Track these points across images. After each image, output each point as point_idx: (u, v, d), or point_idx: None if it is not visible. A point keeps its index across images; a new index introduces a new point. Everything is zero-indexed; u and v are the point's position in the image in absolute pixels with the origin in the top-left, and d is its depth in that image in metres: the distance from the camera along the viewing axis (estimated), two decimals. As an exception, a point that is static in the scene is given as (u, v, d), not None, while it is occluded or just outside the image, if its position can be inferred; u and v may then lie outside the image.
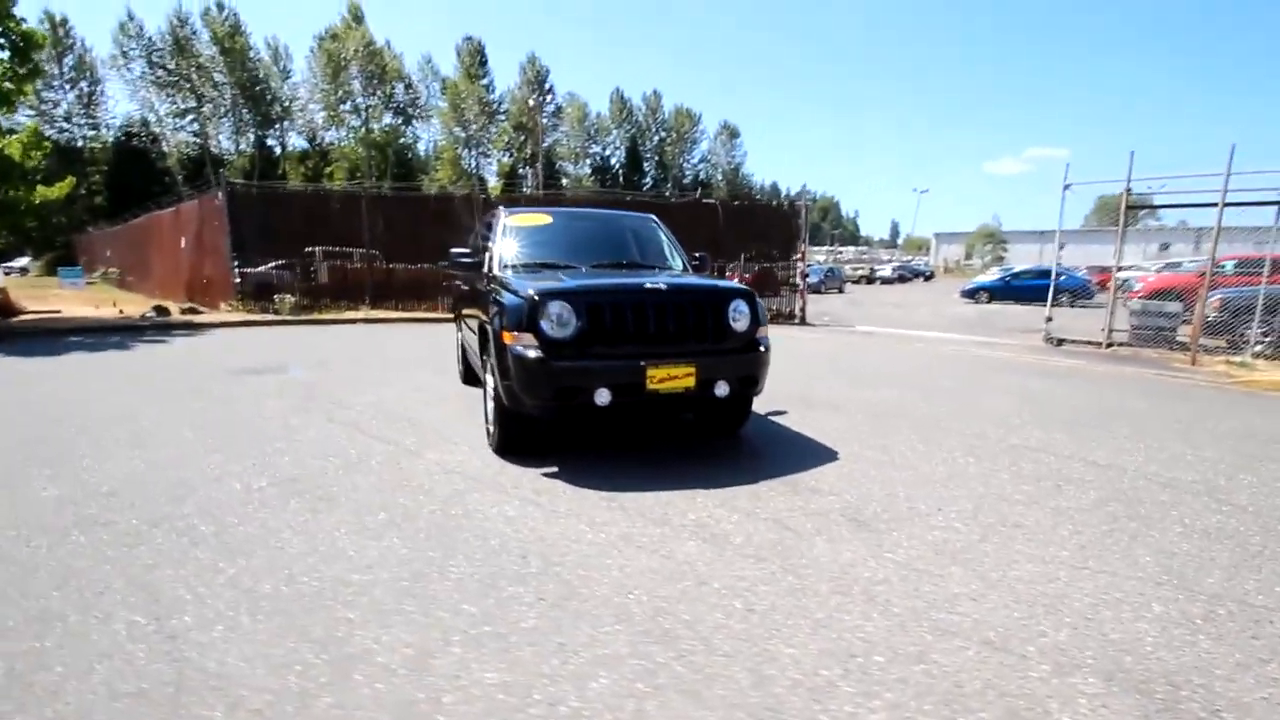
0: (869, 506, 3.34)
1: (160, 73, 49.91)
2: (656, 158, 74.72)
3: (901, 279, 45.42)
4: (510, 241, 4.80)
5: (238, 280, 14.43)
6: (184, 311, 14.20)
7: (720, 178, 77.13)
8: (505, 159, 64.89)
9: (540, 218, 5.17)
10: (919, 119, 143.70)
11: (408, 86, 56.96)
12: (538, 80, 64.94)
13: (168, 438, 4.53)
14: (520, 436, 4.02)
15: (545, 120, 66.15)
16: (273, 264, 15.03)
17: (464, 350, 6.37)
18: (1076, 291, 23.02)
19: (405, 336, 11.31)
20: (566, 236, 5.08)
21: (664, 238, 5.32)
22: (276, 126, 55.78)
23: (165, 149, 51.72)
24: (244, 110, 52.77)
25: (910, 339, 12.47)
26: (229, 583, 2.50)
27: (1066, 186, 11.95)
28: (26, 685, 1.87)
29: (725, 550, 2.82)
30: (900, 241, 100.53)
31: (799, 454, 4.28)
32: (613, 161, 70.98)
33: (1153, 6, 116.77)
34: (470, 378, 6.51)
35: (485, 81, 62.26)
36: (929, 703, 1.84)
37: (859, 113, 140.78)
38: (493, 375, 3.98)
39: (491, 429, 4.26)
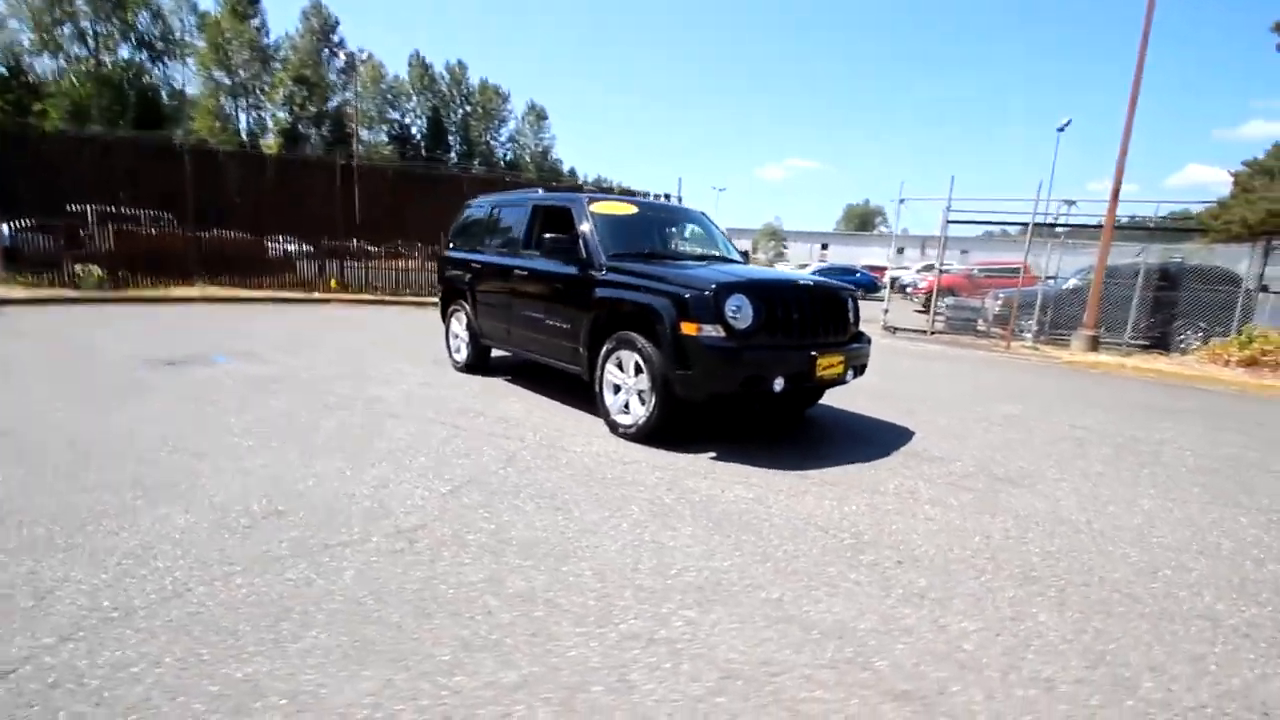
0: (993, 466, 4.10)
1: None
2: (461, 133, 71.19)
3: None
4: (605, 232, 4.70)
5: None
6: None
7: (529, 160, 75.98)
8: (283, 115, 56.80)
9: (625, 207, 5.08)
10: (714, 121, 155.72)
11: (155, 15, 46.84)
12: (324, 31, 57.76)
13: (257, 451, 3.71)
14: (668, 424, 4.09)
15: (334, 77, 59.27)
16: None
17: (475, 337, 5.97)
18: (868, 287, 27.54)
19: (286, 319, 9.86)
20: (650, 227, 5.10)
21: (718, 231, 5.59)
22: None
23: None
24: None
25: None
26: (600, 596, 2.37)
27: (901, 201, 14.40)
28: None
29: (921, 504, 3.33)
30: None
31: (854, 432, 4.94)
32: (414, 131, 66.03)
33: (893, 41, 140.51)
34: (478, 365, 6.13)
35: (256, 23, 53.68)
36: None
37: (662, 109, 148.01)
38: (647, 365, 3.98)
39: (619, 417, 4.25)
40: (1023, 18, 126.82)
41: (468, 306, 6.09)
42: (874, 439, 4.63)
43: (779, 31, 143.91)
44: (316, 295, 13.00)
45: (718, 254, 5.19)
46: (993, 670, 2.01)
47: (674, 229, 5.31)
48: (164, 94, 50.02)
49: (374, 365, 6.42)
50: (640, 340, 4.05)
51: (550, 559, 2.57)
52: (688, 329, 3.77)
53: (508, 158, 74.11)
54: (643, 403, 4.13)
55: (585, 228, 4.69)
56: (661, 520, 3.00)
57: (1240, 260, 11.55)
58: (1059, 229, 13.44)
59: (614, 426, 4.30)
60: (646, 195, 16.36)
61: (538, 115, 77.04)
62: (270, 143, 52.37)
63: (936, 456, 4.26)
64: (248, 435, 3.94)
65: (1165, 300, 12.51)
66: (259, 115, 56.84)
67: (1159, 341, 12.21)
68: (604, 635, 2.07)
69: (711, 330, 3.75)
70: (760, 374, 3.82)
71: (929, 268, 29.75)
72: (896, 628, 2.21)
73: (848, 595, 2.41)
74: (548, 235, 4.67)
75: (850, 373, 4.32)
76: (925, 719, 1.77)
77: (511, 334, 5.42)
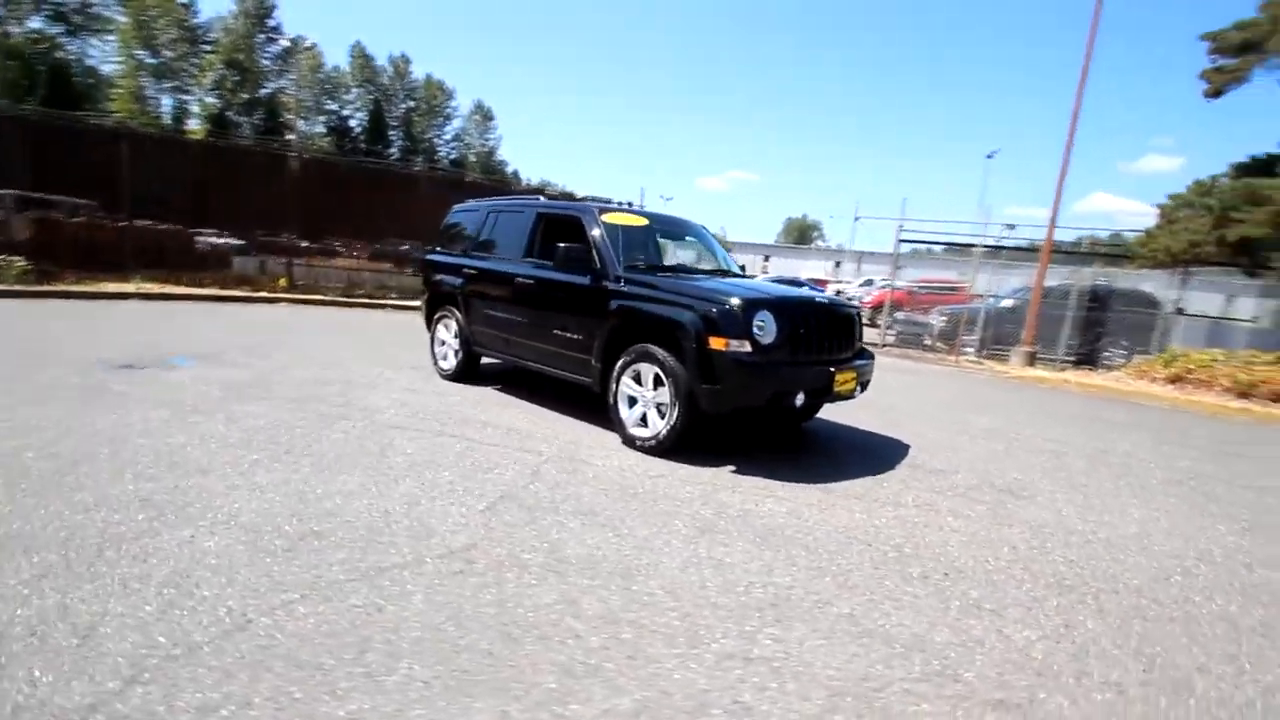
0: (992, 478, 4.32)
1: None
2: (404, 128, 69.17)
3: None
4: (618, 243, 4.67)
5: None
6: None
7: (474, 159, 74.52)
8: (212, 100, 53.64)
9: (636, 218, 5.06)
10: (655, 128, 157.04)
11: (72, -15, 43.38)
12: (259, 14, 55.01)
13: (265, 465, 3.47)
14: (687, 437, 4.10)
15: (268, 63, 56.50)
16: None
17: (467, 344, 5.82)
18: (814, 298, 28.40)
19: (238, 319, 9.33)
20: (658, 239, 5.11)
21: (718, 244, 5.66)
22: None
23: None
24: None
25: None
26: (681, 615, 2.36)
27: (857, 218, 15.38)
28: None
29: (943, 516, 3.49)
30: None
31: (854, 445, 5.11)
32: (353, 124, 63.65)
33: (827, 63, 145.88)
34: (467, 373, 5.97)
35: (185, 0, 50.58)
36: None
37: (606, 112, 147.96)
38: (670, 378, 3.99)
39: (636, 430, 4.24)
40: (954, 47, 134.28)
41: (458, 313, 5.93)
42: (874, 451, 4.79)
43: (724, 39, 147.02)
44: (265, 294, 12.33)
45: (721, 268, 5.26)
46: (1067, 677, 2.12)
47: (679, 241, 5.35)
48: (79, 71, 46.31)
49: (353, 370, 6.15)
50: (661, 353, 4.05)
51: (616, 578, 2.54)
52: (716, 344, 3.81)
53: (452, 156, 72.56)
54: (662, 416, 4.13)
55: (598, 238, 4.66)
56: (710, 536, 3.01)
57: (1165, 285, 12.64)
58: (1003, 250, 14.27)
59: (630, 440, 4.28)
60: (610, 202, 16.35)
61: (484, 115, 75.85)
62: (195, 129, 49.28)
63: (939, 469, 4.45)
64: (248, 448, 3.70)
65: (1093, 320, 13.49)
66: (184, 99, 53.45)
67: (1087, 358, 13.16)
68: (700, 656, 2.07)
69: (739, 346, 3.79)
70: (786, 389, 3.89)
71: (869, 282, 31.04)
72: (968, 639, 2.30)
73: (912, 608, 2.49)
74: (562, 245, 4.60)
75: (859, 388, 4.46)
76: (1028, 729, 1.86)
77: (511, 343, 5.31)
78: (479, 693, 1.81)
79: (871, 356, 4.74)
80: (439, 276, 6.21)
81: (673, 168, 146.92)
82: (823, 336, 4.17)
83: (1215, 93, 10.43)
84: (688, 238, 5.46)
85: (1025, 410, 7.35)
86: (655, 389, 4.16)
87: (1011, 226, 14.54)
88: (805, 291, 4.63)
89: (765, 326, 3.87)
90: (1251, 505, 4.28)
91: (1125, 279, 13.99)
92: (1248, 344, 11.56)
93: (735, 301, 3.87)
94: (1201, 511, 4.06)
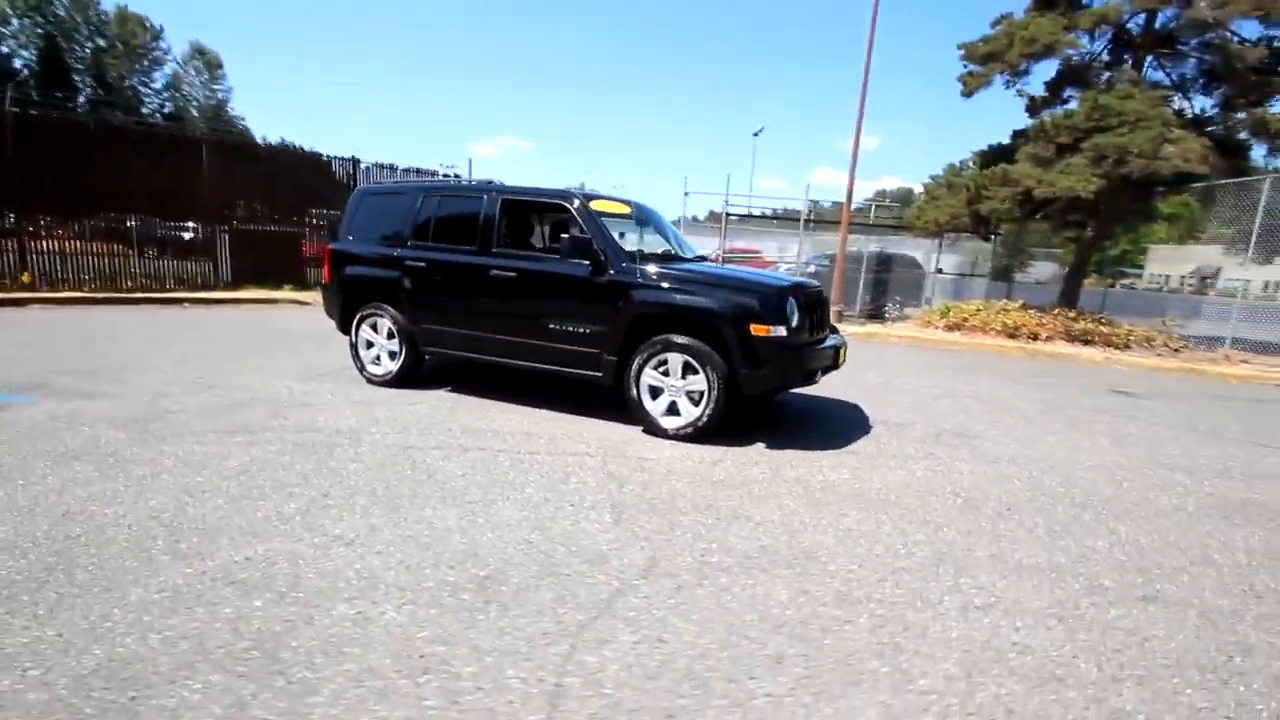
0: (949, 428, 5.19)
1: None
2: (94, 72, 55.21)
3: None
4: (616, 234, 4.58)
5: None
6: None
7: (197, 114, 62.30)
8: None
9: (620, 206, 4.89)
10: (424, 92, 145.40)
11: None
12: None
13: (350, 511, 2.82)
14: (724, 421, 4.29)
15: None
16: None
17: (412, 344, 5.24)
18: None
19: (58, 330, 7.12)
20: (635, 227, 5.05)
21: (673, 228, 5.78)
22: None
23: None
24: None
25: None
26: (897, 584, 2.61)
27: (686, 194, 15.97)
28: None
29: (958, 464, 4.24)
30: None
31: (814, 409, 5.76)
32: (18, 65, 49.12)
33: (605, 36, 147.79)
34: (409, 377, 5.38)
35: None
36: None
37: (362, 70, 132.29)
38: (705, 365, 4.11)
39: (665, 420, 4.30)
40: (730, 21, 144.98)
41: (393, 311, 5.27)
42: (839, 414, 5.42)
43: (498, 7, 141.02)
44: (1, 295, 9.36)
45: (693, 255, 5.39)
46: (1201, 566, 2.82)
47: (645, 228, 5.35)
48: None
49: (254, 386, 5.16)
50: (694, 342, 4.15)
51: (807, 562, 2.69)
52: (758, 330, 4.02)
53: (166, 109, 59.90)
54: (694, 403, 4.24)
55: (597, 227, 4.52)
56: (821, 509, 3.27)
57: (929, 251, 15.68)
58: (811, 221, 16.34)
59: (658, 429, 4.32)
60: (395, 167, 15.14)
61: (208, 62, 63.53)
62: None
63: (905, 422, 5.21)
64: (280, 497, 3.03)
65: (880, 280, 16.25)
66: None
67: (875, 313, 15.86)
68: (945, 609, 2.35)
69: (779, 331, 4.06)
70: (814, 367, 4.27)
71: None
72: (1110, 557, 2.90)
73: (1044, 543, 3.03)
74: (565, 235, 4.37)
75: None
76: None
77: (482, 340, 4.91)
78: (863, 689, 1.89)
79: (837, 333, 5.33)
80: (359, 270, 5.43)
81: (445, 134, 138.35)
82: (817, 317, 4.61)
83: (969, 93, 13.07)
84: (649, 224, 5.49)
85: (884, 363, 8.73)
86: (685, 378, 4.25)
87: (816, 202, 16.43)
88: (798, 278, 5.02)
89: (794, 311, 4.18)
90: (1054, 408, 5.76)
91: (899, 245, 17.01)
92: (986, 294, 14.94)
93: (772, 289, 4.12)
94: (1110, 438, 5.37)
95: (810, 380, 4.33)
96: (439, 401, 5.04)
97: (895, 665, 2.03)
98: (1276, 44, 11.34)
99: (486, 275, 4.80)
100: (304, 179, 14.03)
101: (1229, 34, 11.12)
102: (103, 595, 2.15)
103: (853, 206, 15.21)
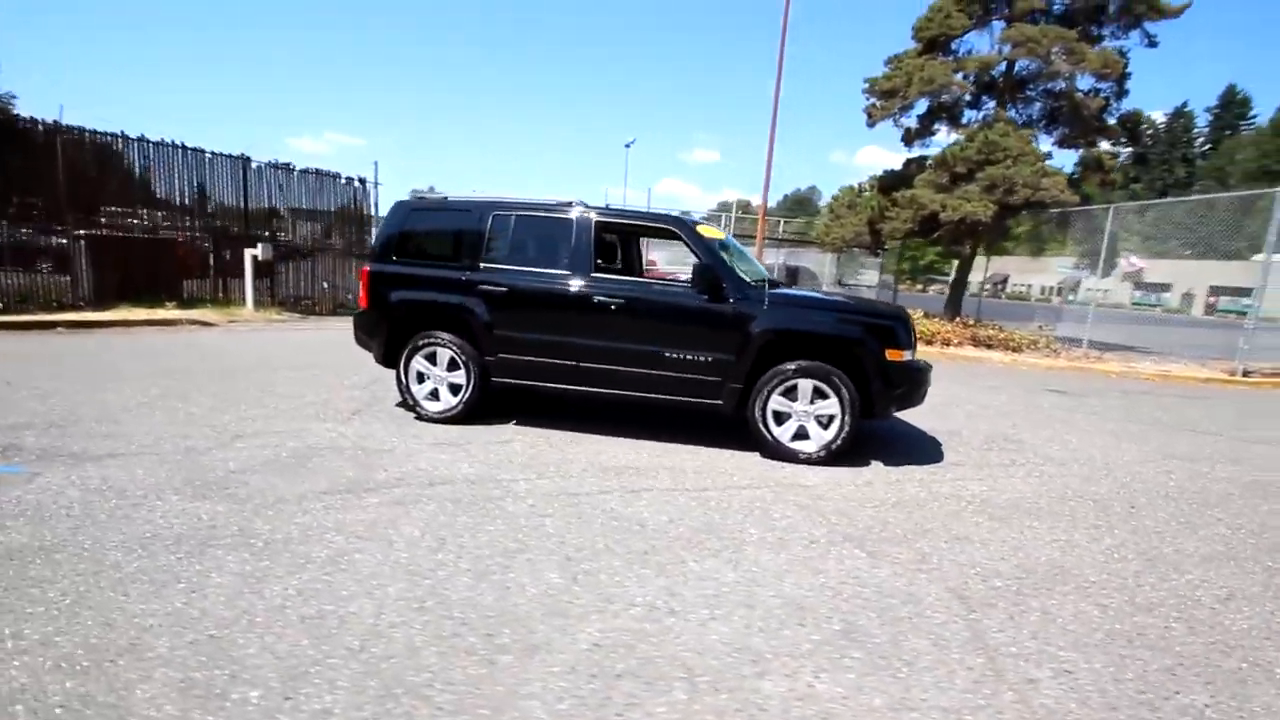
0: (991, 433, 5.75)
1: None
2: None
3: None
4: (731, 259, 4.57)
5: None
6: None
7: (-58, 88, 50.36)
8: None
9: (718, 232, 4.81)
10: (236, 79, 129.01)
11: None
12: None
13: (588, 618, 2.48)
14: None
15: None
16: None
17: (484, 376, 4.80)
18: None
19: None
20: (731, 256, 5.03)
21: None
22: None
23: None
24: None
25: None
26: (1079, 586, 2.91)
27: (377, 184, 15.45)
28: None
29: (1016, 469, 4.77)
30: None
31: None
32: None
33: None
34: (475, 411, 4.90)
35: None
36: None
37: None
38: (838, 390, 4.22)
39: (796, 445, 4.36)
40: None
41: (459, 340, 4.79)
42: (875, 426, 5.81)
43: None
44: None
45: (775, 279, 5.48)
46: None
47: (738, 255, 5.32)
48: None
49: (275, 430, 4.42)
50: (832, 368, 4.25)
51: (1071, 577, 2.92)
52: (893, 355, 4.22)
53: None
54: (823, 427, 4.35)
55: (711, 255, 4.46)
56: (1004, 524, 3.52)
57: (830, 264, 17.12)
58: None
59: (784, 454, 4.35)
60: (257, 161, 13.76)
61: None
62: None
63: (953, 430, 5.69)
64: (548, 561, 2.66)
65: (786, 290, 17.45)
66: None
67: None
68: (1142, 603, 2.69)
69: (909, 355, 4.30)
70: (928, 388, 4.57)
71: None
72: (1250, 539, 3.42)
73: (1192, 534, 3.50)
74: (697, 264, 4.27)
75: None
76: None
77: (584, 371, 4.61)
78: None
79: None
80: (414, 295, 4.85)
81: (260, 120, 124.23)
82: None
83: (872, 123, 14.51)
84: (735, 250, 5.50)
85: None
86: (814, 402, 4.34)
87: (727, 211, 17.24)
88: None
89: (910, 338, 4.45)
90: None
91: (799, 258, 18.37)
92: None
93: (900, 317, 4.37)
94: (1118, 430, 6.23)
95: (922, 401, 4.63)
96: (523, 437, 4.65)
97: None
98: (1102, 95, 13.93)
99: (589, 302, 4.53)
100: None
101: (1074, 86, 13.43)
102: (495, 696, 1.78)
103: (705, 218, 16.19)
